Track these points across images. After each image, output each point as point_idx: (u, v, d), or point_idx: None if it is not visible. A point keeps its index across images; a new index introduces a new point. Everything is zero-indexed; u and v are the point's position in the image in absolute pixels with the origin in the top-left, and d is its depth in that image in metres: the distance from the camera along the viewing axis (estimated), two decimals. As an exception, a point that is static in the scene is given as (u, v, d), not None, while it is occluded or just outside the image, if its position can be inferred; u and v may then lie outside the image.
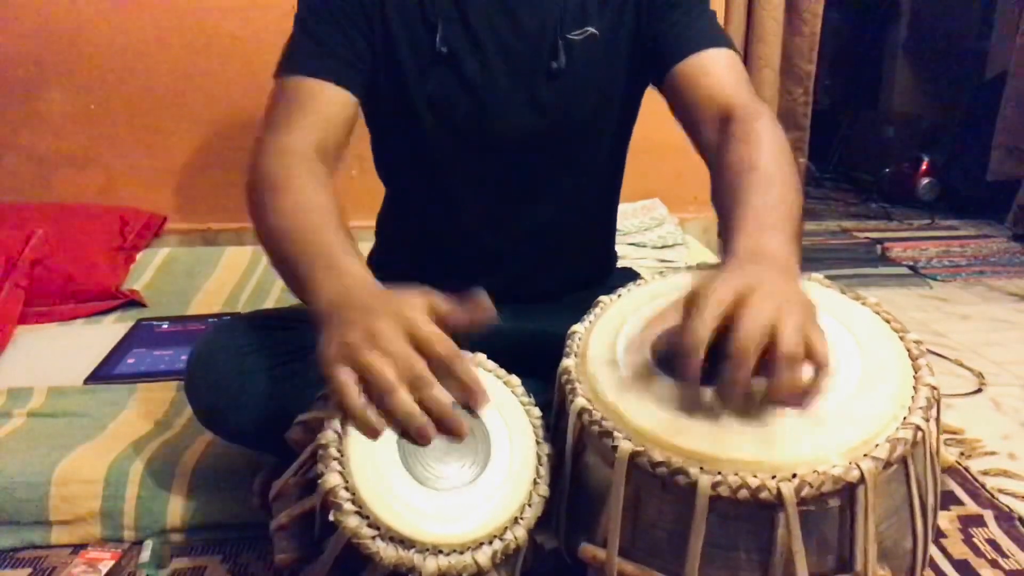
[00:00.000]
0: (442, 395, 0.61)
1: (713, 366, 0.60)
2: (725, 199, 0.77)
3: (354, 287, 0.67)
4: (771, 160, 0.78)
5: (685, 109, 0.92)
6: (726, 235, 0.73)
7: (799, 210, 0.76)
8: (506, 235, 1.02)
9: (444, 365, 0.62)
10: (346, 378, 0.59)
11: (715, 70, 0.90)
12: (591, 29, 0.94)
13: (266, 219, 0.79)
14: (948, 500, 1.05)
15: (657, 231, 2.01)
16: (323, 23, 0.91)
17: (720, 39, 0.94)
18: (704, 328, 0.57)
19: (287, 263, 0.75)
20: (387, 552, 0.58)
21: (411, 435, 0.60)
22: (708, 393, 0.62)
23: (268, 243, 0.78)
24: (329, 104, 0.88)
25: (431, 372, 0.61)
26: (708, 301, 0.58)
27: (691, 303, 0.59)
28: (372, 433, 0.60)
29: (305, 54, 0.90)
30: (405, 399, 0.59)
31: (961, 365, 1.54)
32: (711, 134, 0.87)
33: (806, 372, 0.57)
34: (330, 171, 0.86)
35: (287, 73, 0.90)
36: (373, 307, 0.63)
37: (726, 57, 0.92)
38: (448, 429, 0.61)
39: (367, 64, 0.93)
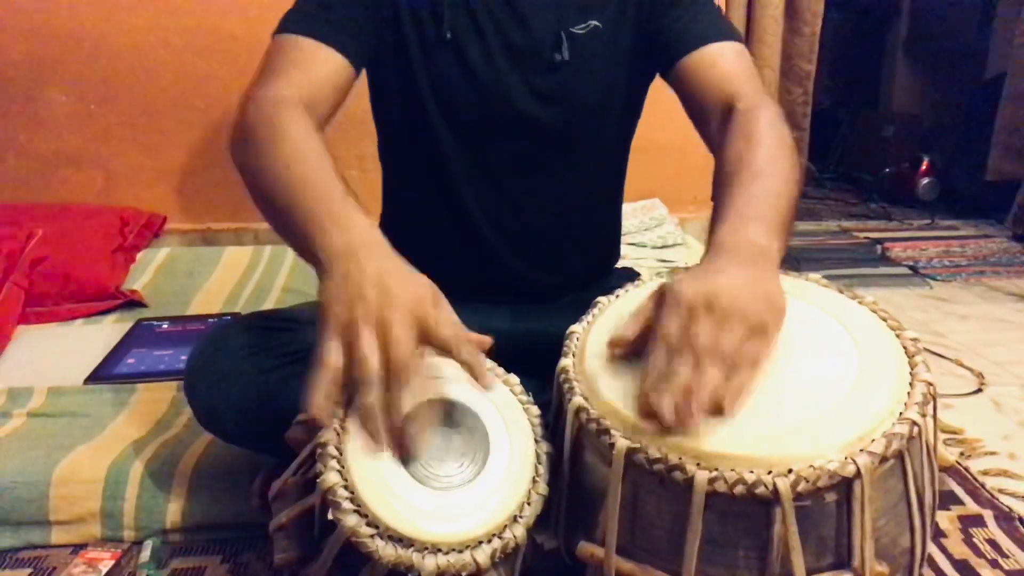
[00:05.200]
0: (402, 406, 0.60)
1: None
2: (717, 191, 0.79)
3: (365, 243, 0.66)
4: (764, 154, 0.78)
5: (691, 103, 0.93)
6: (710, 229, 0.74)
7: (791, 200, 0.76)
8: (507, 229, 1.02)
9: (449, 350, 0.64)
10: (333, 357, 0.60)
11: (720, 63, 0.91)
12: (594, 22, 0.95)
13: (259, 169, 0.77)
14: (948, 500, 1.05)
15: (657, 231, 2.01)
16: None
17: (726, 32, 0.94)
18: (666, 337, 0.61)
19: (286, 214, 0.73)
20: (386, 551, 0.58)
21: (367, 430, 0.60)
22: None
23: (263, 193, 0.76)
24: (321, 64, 0.87)
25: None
26: (671, 309, 0.63)
27: (660, 302, 0.65)
28: (321, 421, 0.60)
29: (304, 16, 0.90)
30: (371, 402, 0.59)
31: (961, 365, 1.54)
32: (715, 128, 0.88)
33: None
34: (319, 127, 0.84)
35: (283, 31, 0.90)
36: (389, 291, 0.62)
37: (731, 50, 0.92)
38: (398, 439, 0.61)
39: (368, 39, 0.92)
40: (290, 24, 0.90)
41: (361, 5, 0.91)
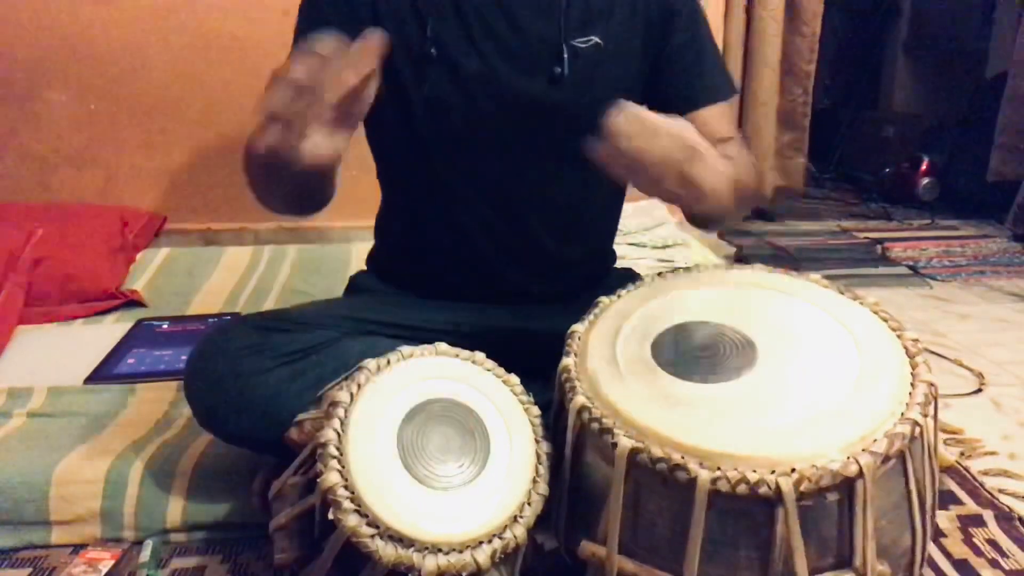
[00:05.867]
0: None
1: (706, 360, 0.60)
2: None
3: None
4: (731, 153, 0.85)
5: None
6: None
7: (747, 186, 0.83)
8: (505, 242, 1.02)
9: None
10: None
11: (713, 123, 0.95)
12: (596, 39, 0.95)
13: (256, 164, 0.77)
14: (948, 500, 1.05)
15: (657, 231, 2.01)
16: (317, 25, 0.91)
17: (724, 89, 1.00)
18: None
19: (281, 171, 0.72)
20: (386, 551, 0.58)
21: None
22: (706, 390, 0.62)
23: (261, 172, 0.76)
24: None
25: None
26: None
27: None
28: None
29: (295, 46, 0.91)
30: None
31: (961, 365, 1.54)
32: None
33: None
34: None
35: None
36: None
37: (723, 111, 0.99)
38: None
39: None
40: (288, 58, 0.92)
41: (349, 30, 0.91)
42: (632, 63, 0.98)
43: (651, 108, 1.01)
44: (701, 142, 0.69)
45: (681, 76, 0.98)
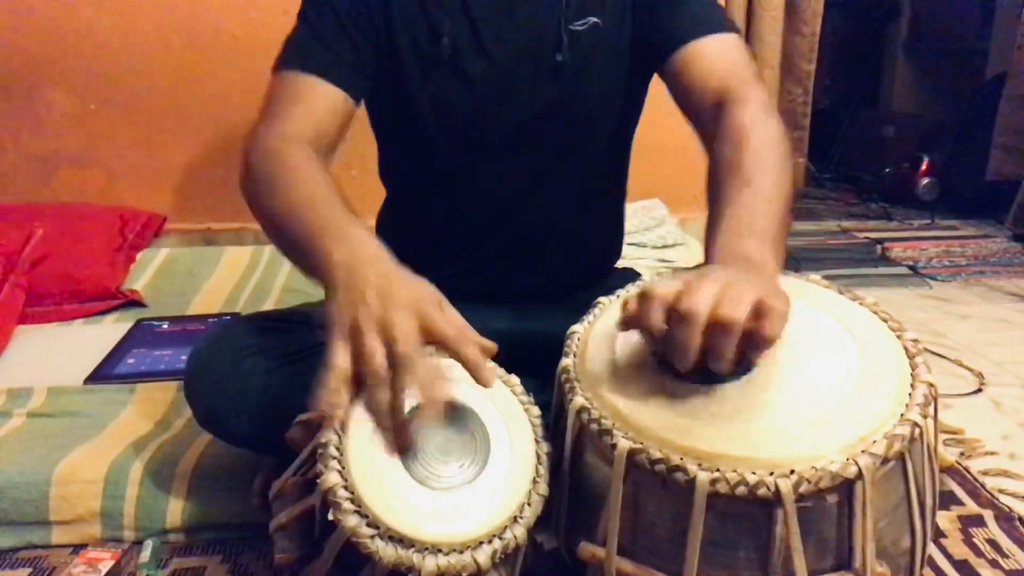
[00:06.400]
0: (406, 399, 0.61)
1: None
2: (709, 199, 0.78)
3: (366, 255, 0.68)
4: (752, 157, 0.77)
5: (682, 99, 0.92)
6: (707, 239, 0.73)
7: (783, 201, 0.75)
8: (509, 238, 1.02)
9: (451, 348, 0.63)
10: (340, 358, 0.61)
11: (708, 57, 0.89)
12: (594, 19, 0.94)
13: (266, 200, 0.79)
14: (948, 500, 1.05)
15: (657, 231, 2.01)
16: (327, 20, 0.91)
17: (717, 24, 0.92)
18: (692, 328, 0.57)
19: (292, 239, 0.75)
20: (386, 551, 0.58)
21: (377, 423, 0.61)
22: (706, 391, 0.62)
23: (270, 222, 0.79)
24: (323, 100, 0.88)
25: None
26: (692, 294, 0.58)
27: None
28: (330, 420, 0.61)
29: (304, 49, 0.91)
30: (379, 396, 0.60)
31: (961, 365, 1.54)
32: (707, 123, 0.87)
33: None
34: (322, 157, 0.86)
35: (286, 67, 0.90)
36: (391, 292, 0.63)
37: (720, 42, 0.90)
38: (400, 432, 0.62)
39: (370, 67, 0.93)
40: (289, 60, 0.90)
41: (355, 31, 0.91)
42: (627, 37, 0.96)
43: (649, 57, 0.96)
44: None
45: (672, 17, 0.92)
